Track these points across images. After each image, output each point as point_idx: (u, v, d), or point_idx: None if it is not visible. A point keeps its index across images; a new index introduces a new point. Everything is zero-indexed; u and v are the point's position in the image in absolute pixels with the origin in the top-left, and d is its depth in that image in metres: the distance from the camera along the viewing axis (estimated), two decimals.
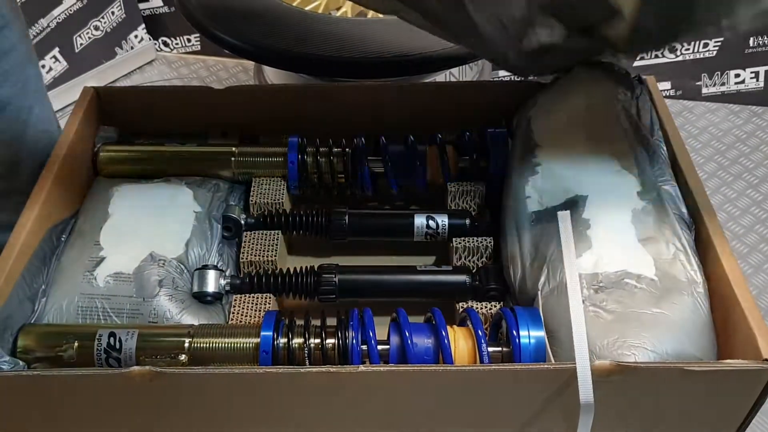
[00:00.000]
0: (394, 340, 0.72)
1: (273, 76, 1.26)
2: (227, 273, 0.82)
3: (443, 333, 0.71)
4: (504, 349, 0.71)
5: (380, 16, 1.26)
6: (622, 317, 0.68)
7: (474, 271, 0.83)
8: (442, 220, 0.88)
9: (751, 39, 1.85)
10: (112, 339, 0.71)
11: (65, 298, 0.76)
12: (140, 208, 0.85)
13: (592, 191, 0.78)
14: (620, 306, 0.69)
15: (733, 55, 1.87)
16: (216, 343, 0.71)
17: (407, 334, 0.71)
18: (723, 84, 1.91)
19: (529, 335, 0.70)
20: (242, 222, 0.87)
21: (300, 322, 0.73)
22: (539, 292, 0.74)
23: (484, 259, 0.86)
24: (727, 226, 1.62)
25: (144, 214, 0.84)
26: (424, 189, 0.93)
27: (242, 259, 0.83)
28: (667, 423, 0.69)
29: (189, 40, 2.16)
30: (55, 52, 1.96)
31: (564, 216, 0.76)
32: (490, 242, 0.85)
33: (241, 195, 0.92)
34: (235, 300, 0.79)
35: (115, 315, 0.76)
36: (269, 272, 0.82)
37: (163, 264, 0.78)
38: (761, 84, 1.90)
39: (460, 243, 0.85)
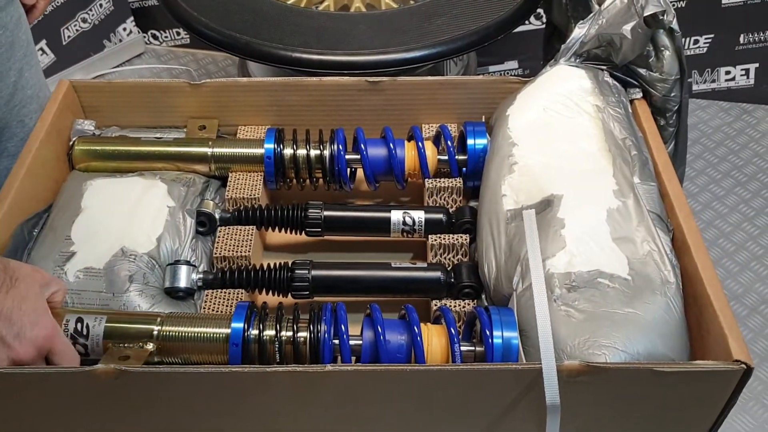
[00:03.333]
0: (367, 335, 0.71)
1: (256, 69, 1.25)
2: (200, 268, 0.81)
3: (416, 330, 0.70)
4: (477, 348, 0.71)
5: (363, 10, 1.25)
6: (593, 317, 0.68)
7: (449, 268, 0.82)
8: (419, 216, 0.87)
9: (742, 36, 1.84)
10: (79, 324, 0.69)
11: None
12: (113, 203, 0.84)
13: (567, 190, 0.77)
14: (592, 305, 0.69)
15: (724, 52, 1.86)
16: (185, 332, 0.70)
17: (380, 330, 0.70)
18: (713, 81, 1.90)
19: (502, 336, 0.69)
20: (216, 217, 0.86)
21: (273, 315, 0.72)
22: (514, 291, 0.73)
23: (459, 256, 0.85)
24: (714, 224, 1.61)
25: (116, 209, 0.83)
26: (402, 185, 0.92)
27: (215, 254, 0.82)
28: (638, 423, 0.68)
29: (178, 33, 2.15)
30: (42, 44, 1.95)
31: (529, 215, 0.75)
32: (466, 240, 0.85)
33: (218, 190, 0.91)
34: (207, 295, 0.78)
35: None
36: (242, 268, 0.81)
37: (134, 259, 0.78)
38: (751, 81, 1.89)
39: (435, 240, 0.85)
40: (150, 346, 0.69)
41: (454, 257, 0.85)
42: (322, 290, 0.81)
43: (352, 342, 0.71)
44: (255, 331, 0.70)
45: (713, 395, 0.65)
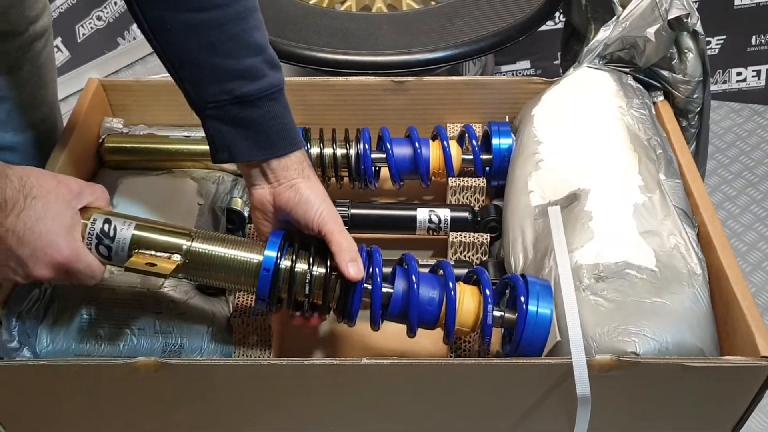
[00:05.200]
0: (400, 285, 0.70)
1: None
2: None
3: (451, 286, 0.69)
4: (507, 315, 0.70)
5: (384, 10, 1.26)
6: (622, 306, 0.69)
7: (475, 265, 0.84)
8: (445, 214, 0.89)
9: (753, 38, 1.85)
10: (106, 226, 0.65)
11: (70, 288, 0.77)
12: (145, 200, 0.85)
13: (594, 185, 0.79)
14: (621, 295, 0.70)
15: (736, 54, 1.87)
16: (216, 252, 0.67)
17: (414, 280, 0.69)
18: (725, 82, 1.91)
19: (537, 306, 0.68)
20: (246, 214, 0.87)
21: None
22: None
23: (479, 255, 0.86)
24: (726, 224, 1.63)
25: (149, 206, 0.84)
26: (426, 184, 0.94)
27: None
28: (666, 417, 0.69)
29: None
30: (58, 42, 1.96)
31: (554, 211, 0.77)
32: (486, 239, 0.86)
33: (245, 188, 0.92)
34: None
35: (120, 305, 0.76)
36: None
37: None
38: (762, 82, 1.91)
39: (456, 238, 0.86)
40: (177, 258, 0.66)
41: (474, 255, 0.87)
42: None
43: (384, 289, 0.69)
44: (287, 262, 0.67)
45: (740, 391, 0.66)
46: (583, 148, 0.83)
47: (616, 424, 0.69)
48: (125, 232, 0.66)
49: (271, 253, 0.67)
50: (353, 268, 0.66)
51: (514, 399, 0.67)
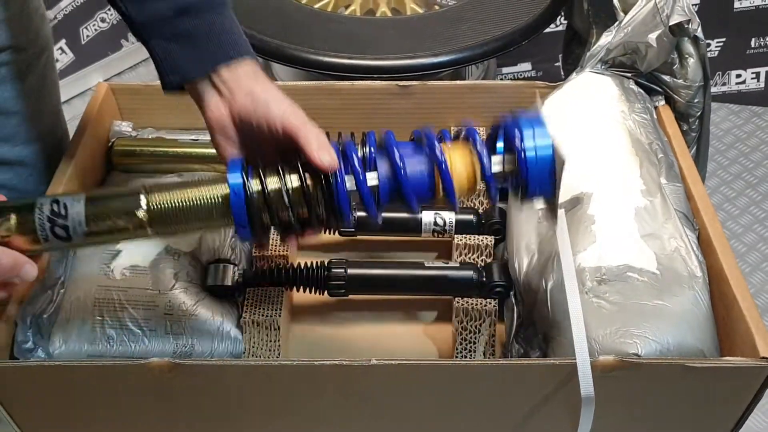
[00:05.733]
0: (383, 167, 0.64)
1: (281, 71, 1.28)
2: (240, 267, 0.84)
3: (438, 152, 0.63)
4: (507, 166, 0.63)
5: (389, 14, 1.28)
6: (624, 308, 0.71)
7: (480, 267, 0.85)
8: (449, 217, 0.90)
9: (753, 40, 1.87)
10: (55, 205, 0.61)
11: (82, 289, 0.78)
12: None
13: (596, 189, 0.80)
14: (622, 297, 0.71)
15: (735, 56, 1.89)
16: (178, 197, 0.62)
17: (398, 155, 0.63)
18: (724, 84, 1.93)
19: (535, 147, 0.62)
20: None
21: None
22: (547, 284, 0.76)
23: (484, 257, 0.88)
24: (726, 225, 1.64)
25: None
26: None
27: (255, 253, 0.85)
28: (667, 417, 0.71)
29: None
30: (62, 44, 1.98)
31: (560, 215, 0.78)
32: (491, 241, 0.88)
33: None
34: (249, 293, 0.81)
35: (131, 307, 0.77)
36: (281, 266, 0.84)
37: (178, 258, 0.80)
38: (761, 84, 1.92)
39: (461, 240, 0.88)
40: (141, 214, 0.61)
41: (479, 257, 0.88)
42: (358, 288, 0.84)
43: (369, 176, 0.63)
44: (257, 183, 0.61)
45: (740, 391, 0.68)
46: (587, 151, 0.84)
47: (618, 424, 0.71)
48: (77, 206, 0.61)
49: (235, 175, 0.62)
50: (325, 156, 0.61)
51: (519, 398, 0.69)
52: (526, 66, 1.99)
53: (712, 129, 1.89)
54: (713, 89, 1.92)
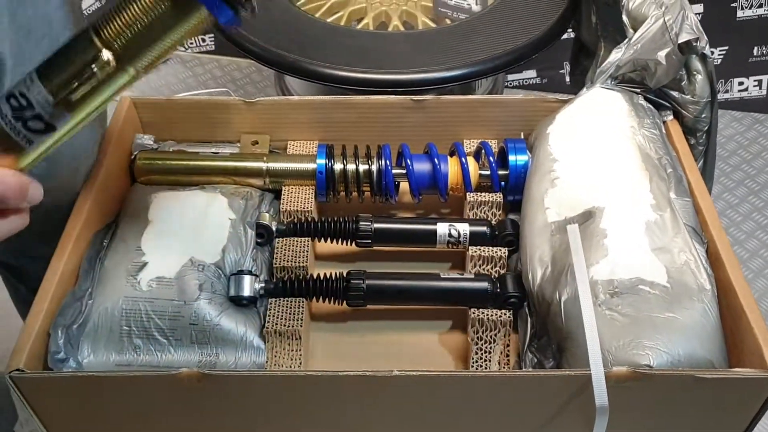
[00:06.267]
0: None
1: (295, 84, 1.31)
2: (261, 278, 0.86)
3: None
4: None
5: (401, 28, 1.30)
6: (636, 320, 0.73)
7: (494, 278, 0.88)
8: (464, 228, 0.92)
9: (755, 48, 1.89)
10: (12, 100, 0.56)
11: (110, 300, 0.81)
12: (178, 215, 0.89)
13: (608, 204, 0.83)
14: (634, 310, 0.74)
15: (738, 64, 1.91)
16: (129, 16, 0.55)
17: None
18: (727, 92, 1.96)
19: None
20: (274, 229, 0.91)
21: None
22: (561, 297, 0.78)
23: (498, 268, 0.90)
24: (728, 232, 1.67)
25: (182, 221, 0.88)
26: (445, 198, 0.98)
27: (275, 264, 0.88)
28: (677, 426, 0.74)
29: (203, 40, 2.20)
30: None
31: (573, 230, 0.81)
32: (504, 252, 0.90)
33: (272, 202, 0.97)
34: (271, 303, 0.83)
35: (158, 317, 0.80)
36: (301, 278, 0.86)
37: (203, 269, 0.83)
38: (764, 92, 1.95)
39: (476, 252, 0.90)
40: (104, 55, 0.55)
41: (492, 268, 0.91)
42: (376, 298, 0.86)
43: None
44: None
45: (748, 401, 0.70)
46: (598, 166, 0.87)
47: None
48: (35, 87, 0.56)
49: None
50: None
51: (535, 407, 0.72)
52: (531, 73, 2.02)
53: None
54: None
